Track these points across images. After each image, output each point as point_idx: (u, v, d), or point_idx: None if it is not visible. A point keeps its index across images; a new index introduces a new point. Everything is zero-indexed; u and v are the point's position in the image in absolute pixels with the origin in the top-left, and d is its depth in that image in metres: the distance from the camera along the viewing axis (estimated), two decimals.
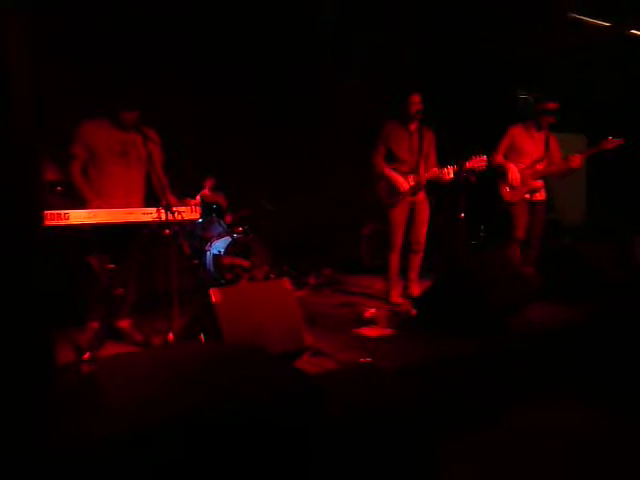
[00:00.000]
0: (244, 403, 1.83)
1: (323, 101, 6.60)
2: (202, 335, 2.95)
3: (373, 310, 4.33)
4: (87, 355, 3.10)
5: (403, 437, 2.54)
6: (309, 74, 6.49)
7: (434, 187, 4.80)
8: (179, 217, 3.48)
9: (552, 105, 4.95)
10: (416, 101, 4.49)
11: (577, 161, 4.87)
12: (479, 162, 4.46)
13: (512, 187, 4.95)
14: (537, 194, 5.07)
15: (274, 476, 1.89)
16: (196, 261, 5.58)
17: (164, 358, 2.19)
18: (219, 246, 5.70)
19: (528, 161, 5.01)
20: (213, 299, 2.84)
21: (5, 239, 1.68)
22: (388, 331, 3.90)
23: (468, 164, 4.46)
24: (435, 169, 4.56)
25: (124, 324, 3.75)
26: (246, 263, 5.71)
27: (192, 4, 5.50)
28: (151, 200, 3.72)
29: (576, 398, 3.20)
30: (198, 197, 5.85)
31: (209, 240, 5.80)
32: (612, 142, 4.61)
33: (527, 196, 5.01)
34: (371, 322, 4.13)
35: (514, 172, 4.92)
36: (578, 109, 8.77)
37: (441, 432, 2.70)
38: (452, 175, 4.46)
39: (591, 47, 6.96)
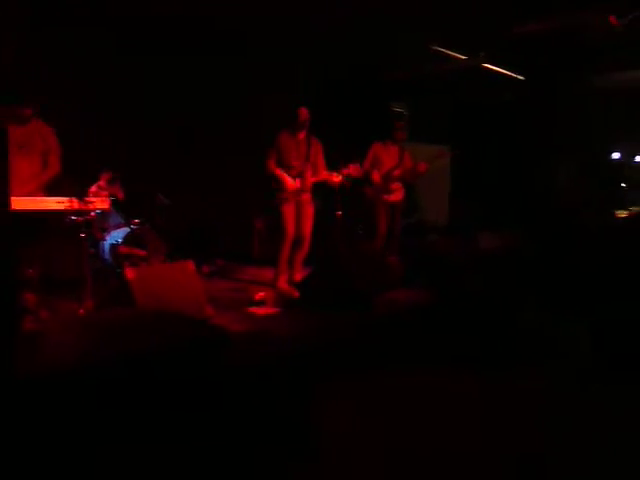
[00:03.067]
0: (157, 352, 2.37)
1: (221, 102, 7.06)
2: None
3: (263, 293, 4.96)
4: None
5: (289, 383, 3.21)
6: (211, 74, 6.90)
7: (320, 189, 5.58)
8: (91, 207, 3.87)
9: (399, 124, 6.23)
10: (303, 113, 5.23)
11: (422, 168, 6.11)
12: (355, 170, 5.32)
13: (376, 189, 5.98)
14: (394, 196, 6.11)
15: (181, 414, 2.45)
16: (92, 250, 5.82)
17: (94, 321, 2.67)
18: (117, 236, 5.96)
19: (385, 169, 6.06)
20: (128, 276, 3.32)
21: None
22: (275, 310, 4.56)
23: (345, 171, 5.29)
24: (324, 172, 5.34)
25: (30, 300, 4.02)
26: (142, 253, 6.04)
27: None
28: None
29: (443, 366, 4.09)
30: (93, 188, 6.03)
31: (106, 230, 6.04)
32: (446, 154, 5.60)
33: (386, 198, 6.05)
34: (260, 303, 4.76)
35: (377, 177, 6.02)
36: (444, 124, 10.10)
37: (325, 381, 3.41)
38: (340, 179, 5.26)
39: (453, 73, 8.14)
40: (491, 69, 7.76)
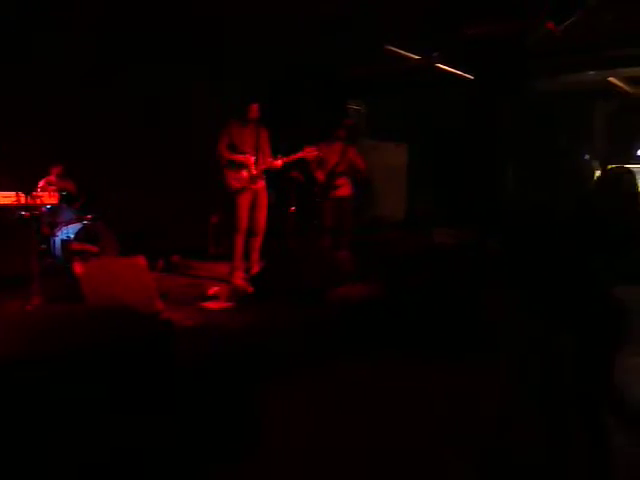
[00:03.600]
0: (102, 346, 2.41)
1: (176, 95, 7.04)
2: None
3: (216, 288, 5.01)
4: None
5: (238, 378, 3.29)
6: (160, 70, 6.87)
7: (274, 183, 5.67)
8: (38, 201, 3.84)
9: (349, 121, 6.41)
10: (254, 109, 5.37)
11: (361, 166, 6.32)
12: (310, 152, 5.49)
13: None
14: (340, 191, 6.27)
15: (130, 404, 2.50)
16: (43, 246, 5.72)
17: (38, 316, 2.68)
18: (68, 232, 5.88)
19: (329, 166, 6.21)
20: (77, 271, 3.32)
21: None
22: (228, 304, 4.62)
23: (300, 154, 5.50)
24: (269, 159, 5.47)
25: None
26: (94, 249, 5.98)
27: None
28: None
29: (392, 357, 4.24)
30: (42, 183, 5.92)
31: (57, 225, 5.95)
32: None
33: (332, 193, 6.22)
34: (214, 298, 4.81)
35: (321, 176, 6.21)
36: (401, 122, 10.30)
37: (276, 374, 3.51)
38: (281, 163, 5.43)
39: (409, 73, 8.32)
40: (444, 69, 7.95)
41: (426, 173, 10.33)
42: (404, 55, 7.43)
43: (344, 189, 6.32)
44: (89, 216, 6.09)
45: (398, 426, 3.26)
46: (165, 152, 6.99)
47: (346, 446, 3.01)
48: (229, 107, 5.85)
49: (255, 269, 5.52)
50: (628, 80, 8.93)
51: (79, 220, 5.98)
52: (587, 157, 10.23)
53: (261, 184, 5.50)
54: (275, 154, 5.52)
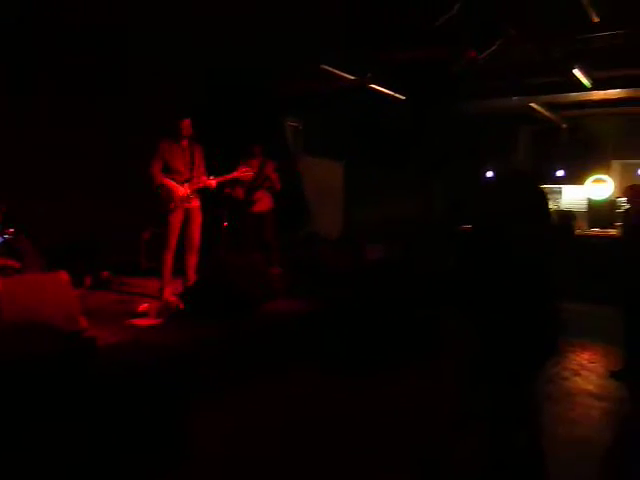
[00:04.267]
0: (15, 364, 2.32)
1: (106, 108, 6.88)
2: None
3: (146, 305, 4.90)
4: None
5: (161, 399, 3.23)
6: (96, 79, 6.71)
7: (208, 201, 5.63)
8: None
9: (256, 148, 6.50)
10: (186, 125, 5.31)
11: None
12: (245, 172, 5.50)
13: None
14: (258, 206, 6.39)
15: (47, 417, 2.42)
16: None
17: None
18: None
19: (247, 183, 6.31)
20: None
21: None
22: (158, 321, 4.53)
23: (235, 174, 5.47)
24: (204, 177, 5.43)
25: None
26: (17, 264, 5.72)
27: None
28: None
29: (314, 368, 4.29)
30: None
31: None
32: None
33: (250, 209, 6.34)
34: (144, 314, 4.70)
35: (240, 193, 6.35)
36: (338, 139, 10.48)
37: (202, 395, 3.48)
38: (215, 183, 5.44)
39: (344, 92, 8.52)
40: (377, 89, 8.20)
41: (362, 190, 10.55)
42: (338, 75, 7.61)
43: (262, 204, 6.41)
44: (11, 230, 5.82)
45: (322, 440, 3.30)
46: (94, 163, 6.77)
47: (272, 462, 3.02)
48: (162, 122, 5.78)
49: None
50: (548, 106, 9.52)
51: (0, 234, 5.71)
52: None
53: (195, 203, 5.44)
54: (213, 172, 5.50)
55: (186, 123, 5.30)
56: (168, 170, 5.32)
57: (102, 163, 6.86)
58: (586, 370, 4.87)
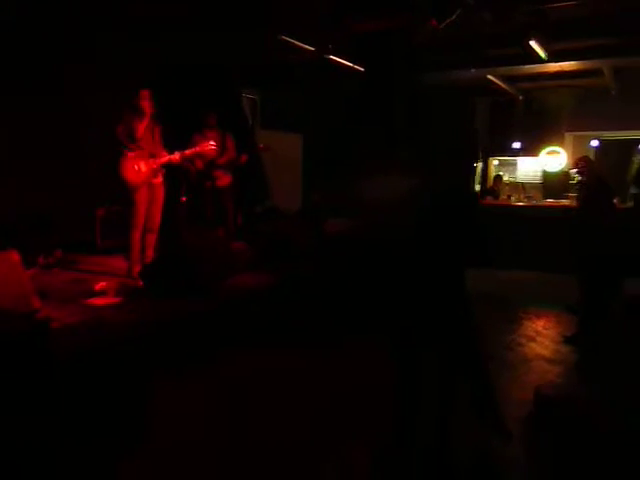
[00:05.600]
0: None
1: (54, 74, 6.55)
2: None
3: (103, 283, 4.76)
4: None
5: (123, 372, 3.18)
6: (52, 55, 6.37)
7: (165, 176, 5.47)
8: None
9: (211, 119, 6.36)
10: (145, 95, 5.08)
11: (243, 159, 6.43)
12: (209, 146, 5.45)
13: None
14: (218, 182, 6.29)
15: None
16: None
17: None
18: None
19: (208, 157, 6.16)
20: None
21: None
22: (116, 300, 4.41)
23: (198, 148, 5.41)
24: (164, 153, 5.27)
25: None
26: None
27: None
28: None
29: (284, 347, 4.27)
30: None
31: None
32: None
33: (210, 184, 6.24)
34: (102, 293, 4.57)
35: (200, 165, 6.21)
36: (296, 112, 10.35)
37: (163, 375, 3.43)
38: (179, 157, 5.29)
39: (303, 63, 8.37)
40: (337, 61, 8.09)
41: (320, 164, 10.49)
42: (298, 46, 7.46)
43: (223, 179, 6.31)
44: None
45: (287, 416, 3.32)
46: (45, 135, 6.47)
47: (236, 439, 3.01)
48: (118, 97, 5.55)
49: None
50: (505, 78, 9.63)
51: None
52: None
53: (159, 179, 5.29)
54: (168, 147, 5.33)
55: (145, 94, 5.08)
56: (132, 144, 5.13)
57: (54, 135, 6.55)
58: (541, 336, 5.04)
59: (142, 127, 5.10)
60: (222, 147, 6.16)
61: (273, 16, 6.53)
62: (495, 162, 11.65)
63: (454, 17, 4.95)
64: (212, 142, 5.67)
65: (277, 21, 6.72)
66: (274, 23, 6.75)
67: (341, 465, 2.80)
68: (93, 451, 2.62)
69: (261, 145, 6.37)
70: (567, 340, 4.81)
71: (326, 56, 7.95)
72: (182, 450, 2.87)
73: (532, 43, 6.89)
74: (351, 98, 9.58)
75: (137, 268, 5.21)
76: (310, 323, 4.65)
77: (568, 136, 10.85)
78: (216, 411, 3.30)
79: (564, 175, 9.69)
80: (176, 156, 5.27)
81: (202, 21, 6.20)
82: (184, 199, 5.25)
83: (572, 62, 8.13)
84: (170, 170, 5.31)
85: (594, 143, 10.09)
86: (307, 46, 7.58)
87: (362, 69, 8.54)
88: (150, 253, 5.35)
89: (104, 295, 4.53)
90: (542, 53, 7.40)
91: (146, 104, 5.08)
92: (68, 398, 2.75)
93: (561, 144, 10.48)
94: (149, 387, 3.27)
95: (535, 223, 7.79)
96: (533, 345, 4.80)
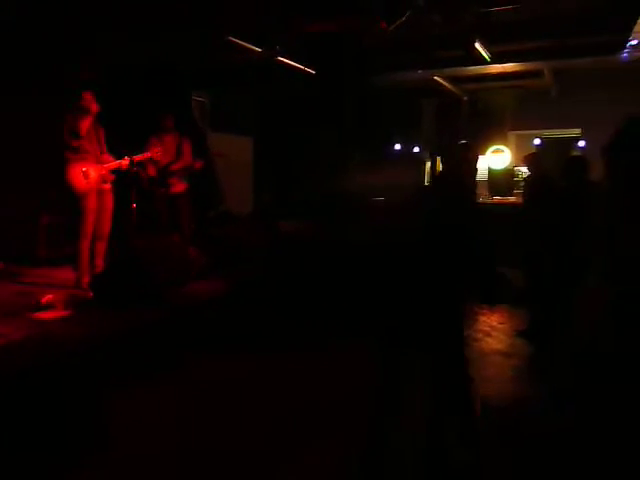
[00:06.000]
0: None
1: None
2: None
3: (50, 295, 4.53)
4: None
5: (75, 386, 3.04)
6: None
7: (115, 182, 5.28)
8: None
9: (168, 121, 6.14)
10: (87, 98, 4.90)
11: (198, 165, 6.22)
12: (157, 152, 5.31)
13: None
14: (173, 188, 6.08)
15: None
16: None
17: None
18: None
19: (163, 162, 5.96)
20: None
21: None
22: (65, 313, 4.22)
23: (148, 153, 5.29)
24: (111, 159, 5.09)
25: None
26: None
27: None
28: None
29: (231, 350, 4.19)
30: None
31: None
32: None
33: (164, 191, 6.01)
34: (49, 307, 4.35)
35: (152, 171, 5.97)
36: (247, 115, 10.24)
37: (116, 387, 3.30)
38: (128, 163, 5.10)
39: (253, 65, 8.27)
40: (286, 63, 8.05)
41: (272, 166, 10.43)
42: (246, 47, 7.36)
43: (178, 186, 6.10)
44: None
45: (252, 421, 3.25)
46: None
47: (197, 447, 2.93)
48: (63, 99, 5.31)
49: None
50: (451, 79, 9.85)
51: None
52: (417, 149, 11.15)
53: (108, 185, 5.10)
54: (117, 152, 5.15)
55: (87, 96, 4.88)
56: (77, 150, 4.91)
57: None
58: (496, 331, 5.16)
59: (85, 125, 4.90)
60: (178, 152, 5.99)
61: (220, 16, 6.41)
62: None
63: (404, 19, 5.00)
64: (158, 146, 5.53)
65: (224, 21, 6.61)
66: (221, 23, 6.63)
67: (301, 470, 2.76)
68: (36, 465, 2.49)
69: (216, 151, 6.17)
70: (519, 334, 4.94)
71: (275, 57, 7.89)
72: (138, 461, 2.77)
73: (476, 45, 7.07)
74: (302, 100, 9.59)
75: (86, 279, 5.03)
76: (267, 327, 4.58)
77: (511, 135, 11.20)
78: (176, 420, 3.21)
79: (509, 173, 9.98)
80: (125, 161, 5.11)
81: (149, 21, 6.02)
82: (134, 205, 5.07)
83: (514, 64, 8.39)
84: (120, 176, 5.13)
85: (536, 141, 10.44)
86: (255, 47, 7.50)
87: (312, 71, 8.52)
88: (100, 262, 5.16)
89: (52, 308, 4.32)
90: (486, 55, 7.61)
91: (90, 105, 4.90)
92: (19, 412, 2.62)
93: (505, 143, 10.80)
94: (104, 399, 3.15)
95: (484, 219, 7.97)
96: (489, 340, 4.90)
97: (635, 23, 6.60)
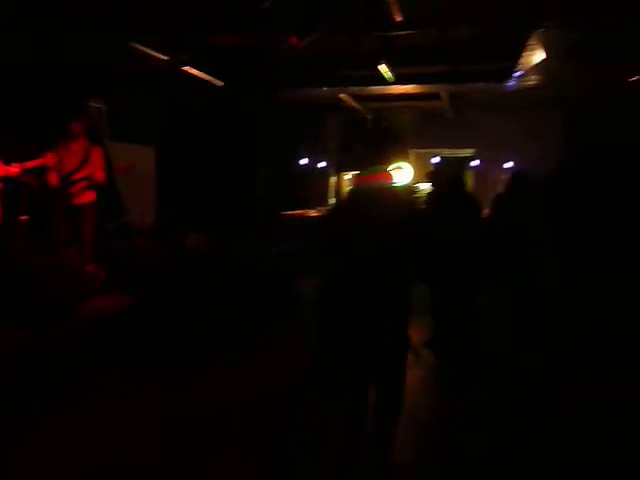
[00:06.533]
0: None
1: None
2: None
3: None
4: None
5: None
6: None
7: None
8: None
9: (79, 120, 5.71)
10: None
11: (100, 177, 5.62)
12: (50, 159, 4.94)
13: None
14: (77, 199, 5.49)
15: None
16: None
17: None
18: None
19: (67, 170, 5.46)
20: None
21: None
22: None
23: (40, 160, 4.89)
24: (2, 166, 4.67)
25: None
26: None
27: None
28: None
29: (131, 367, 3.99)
30: None
31: None
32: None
33: (67, 201, 5.46)
34: None
35: (54, 179, 5.39)
36: (146, 123, 9.85)
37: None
38: (18, 170, 4.73)
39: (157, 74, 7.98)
40: (192, 73, 7.86)
41: (176, 177, 10.09)
42: (150, 55, 7.09)
43: (82, 197, 5.51)
44: None
45: (156, 437, 3.12)
46: None
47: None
48: None
49: None
50: (356, 97, 10.14)
51: None
52: (323, 165, 11.36)
53: None
54: (8, 159, 4.72)
55: None
56: None
57: None
58: None
59: None
60: (83, 160, 5.45)
61: (124, 20, 6.13)
62: (347, 177, 12.16)
63: (313, 37, 5.06)
64: (55, 153, 5.10)
65: (128, 26, 6.32)
66: (125, 28, 6.34)
67: None
68: None
69: (125, 164, 5.71)
70: (426, 344, 5.11)
71: (180, 67, 7.68)
72: None
73: (381, 66, 7.33)
74: (209, 110, 9.39)
75: None
76: (166, 344, 4.42)
77: (412, 153, 11.75)
78: (70, 446, 2.99)
79: (409, 189, 10.42)
80: (14, 169, 4.68)
81: (40, 17, 5.61)
82: (24, 218, 4.66)
83: (414, 85, 8.81)
84: (8, 185, 4.70)
85: (435, 159, 11.04)
86: (160, 55, 7.25)
87: (219, 83, 8.39)
88: None
89: None
90: (388, 76, 7.92)
91: None
92: None
93: (406, 160, 11.29)
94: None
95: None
96: None
97: (520, 55, 7.19)
